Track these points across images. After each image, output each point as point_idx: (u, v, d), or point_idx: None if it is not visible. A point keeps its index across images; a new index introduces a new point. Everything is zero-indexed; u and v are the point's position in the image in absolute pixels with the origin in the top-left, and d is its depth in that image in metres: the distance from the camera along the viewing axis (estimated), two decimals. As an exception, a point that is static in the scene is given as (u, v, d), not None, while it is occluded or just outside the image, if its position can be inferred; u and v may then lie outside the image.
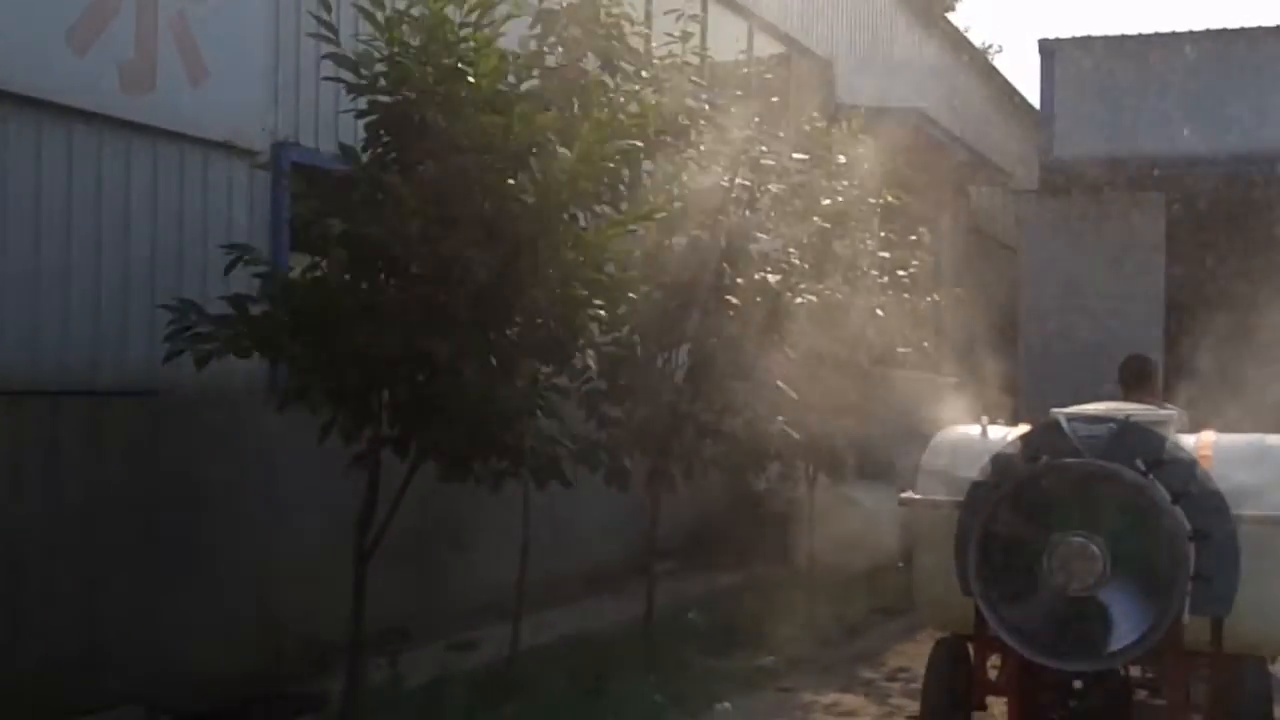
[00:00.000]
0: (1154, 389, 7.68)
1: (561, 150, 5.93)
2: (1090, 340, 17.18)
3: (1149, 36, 20.25)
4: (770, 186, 8.95)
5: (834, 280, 10.73)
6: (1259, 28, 19.80)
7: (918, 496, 6.50)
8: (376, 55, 6.17)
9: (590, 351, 6.47)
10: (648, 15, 11.03)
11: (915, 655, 9.16)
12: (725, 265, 8.47)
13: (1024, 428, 6.37)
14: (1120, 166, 19.05)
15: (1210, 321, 16.35)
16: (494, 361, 5.90)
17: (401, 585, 8.61)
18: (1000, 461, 5.99)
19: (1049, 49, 20.23)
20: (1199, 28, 20.29)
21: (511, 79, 6.41)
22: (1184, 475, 5.83)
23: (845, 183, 11.51)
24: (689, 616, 9.88)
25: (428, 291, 5.85)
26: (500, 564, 8.49)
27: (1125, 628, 5.67)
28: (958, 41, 23.86)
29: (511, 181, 5.90)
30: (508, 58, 6.24)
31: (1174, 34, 20.10)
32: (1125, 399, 7.18)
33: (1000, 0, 63.14)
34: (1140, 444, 5.90)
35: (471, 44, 6.11)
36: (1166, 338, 18.00)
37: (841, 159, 11.58)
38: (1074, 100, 19.94)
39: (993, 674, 6.38)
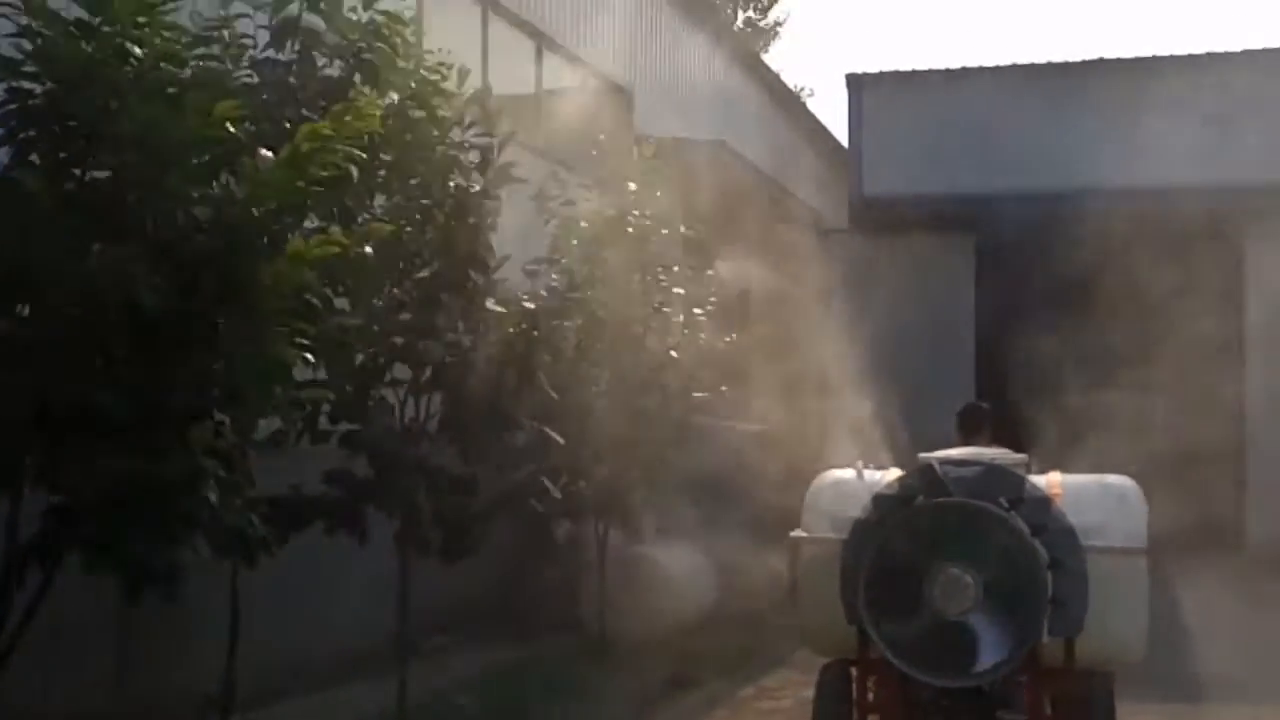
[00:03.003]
0: (988, 434, 8.08)
1: (264, 153, 4.66)
2: (906, 379, 16.50)
3: (956, 71, 19.90)
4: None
5: (619, 312, 9.69)
6: (1066, 62, 19.57)
7: (804, 534, 7.10)
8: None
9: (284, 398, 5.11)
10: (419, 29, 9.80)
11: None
12: (473, 298, 7.34)
13: (896, 471, 7.06)
14: (929, 204, 18.57)
15: (1021, 358, 15.91)
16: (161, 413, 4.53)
17: (84, 685, 7.26)
18: (881, 501, 6.62)
19: (856, 83, 19.74)
20: (1008, 63, 19.92)
21: (199, 64, 5.14)
22: (1041, 512, 6.53)
23: (637, 212, 10.53)
24: (460, 703, 8.65)
25: (77, 325, 4.50)
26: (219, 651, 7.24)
27: (996, 647, 6.32)
28: (768, 81, 23.28)
29: (197, 194, 4.59)
30: (183, 33, 4.93)
31: (981, 69, 19.79)
32: (963, 444, 7.68)
33: (815, 43, 63.31)
34: (1002, 484, 6.56)
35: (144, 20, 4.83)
36: (978, 373, 17.57)
37: (632, 186, 10.59)
38: (882, 136, 19.44)
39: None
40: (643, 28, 17.22)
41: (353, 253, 4.99)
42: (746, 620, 11.55)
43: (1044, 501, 6.59)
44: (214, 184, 4.57)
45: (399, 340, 7.33)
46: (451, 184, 7.34)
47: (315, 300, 4.69)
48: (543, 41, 14.14)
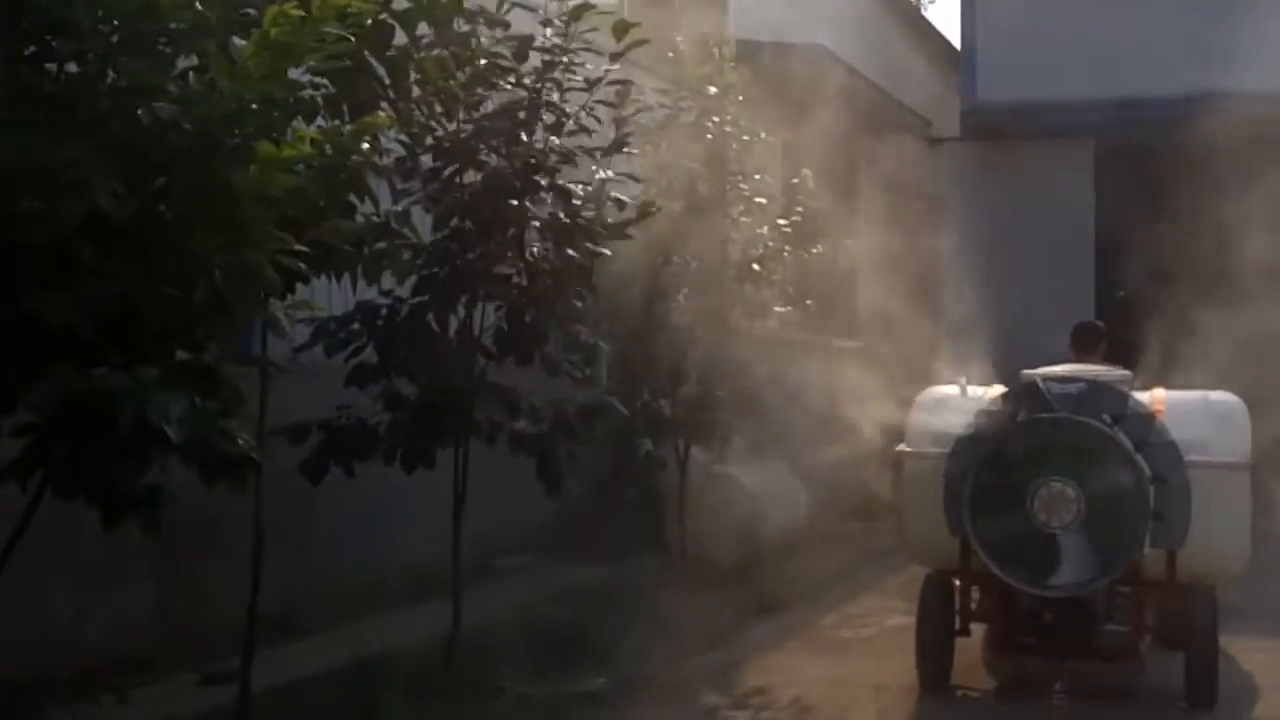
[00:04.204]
0: (1102, 351, 8.19)
1: (239, 41, 4.28)
2: (1022, 293, 15.83)
3: (1074, -30, 18.84)
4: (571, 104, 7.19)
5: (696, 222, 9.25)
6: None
7: (908, 449, 7.34)
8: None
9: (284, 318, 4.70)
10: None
11: (779, 670, 7.78)
12: (527, 201, 6.92)
13: (1000, 387, 7.20)
14: (1045, 109, 17.70)
15: (1142, 271, 15.19)
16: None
17: (145, 604, 7.11)
18: (985, 417, 6.85)
19: (970, -16, 18.81)
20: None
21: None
22: (1143, 428, 6.70)
23: (716, 118, 10.04)
24: (546, 612, 8.40)
25: (34, 231, 4.08)
26: (293, 569, 7.09)
27: (1098, 559, 6.55)
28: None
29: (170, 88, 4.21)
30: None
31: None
32: (1076, 361, 7.79)
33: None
34: (1106, 401, 6.74)
35: None
36: (1097, 286, 16.84)
37: (712, 90, 10.09)
38: (997, 41, 18.54)
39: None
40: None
41: (350, 157, 4.61)
42: (837, 543, 11.15)
43: (1147, 417, 6.79)
44: (188, 77, 4.22)
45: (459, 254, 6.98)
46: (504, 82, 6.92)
47: (297, 211, 4.30)
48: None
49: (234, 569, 6.36)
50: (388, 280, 6.55)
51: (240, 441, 4.17)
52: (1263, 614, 8.68)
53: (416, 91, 6.13)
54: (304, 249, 4.38)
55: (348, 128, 4.72)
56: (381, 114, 4.97)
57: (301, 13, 4.10)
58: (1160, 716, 7.10)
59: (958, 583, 7.20)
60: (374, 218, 5.61)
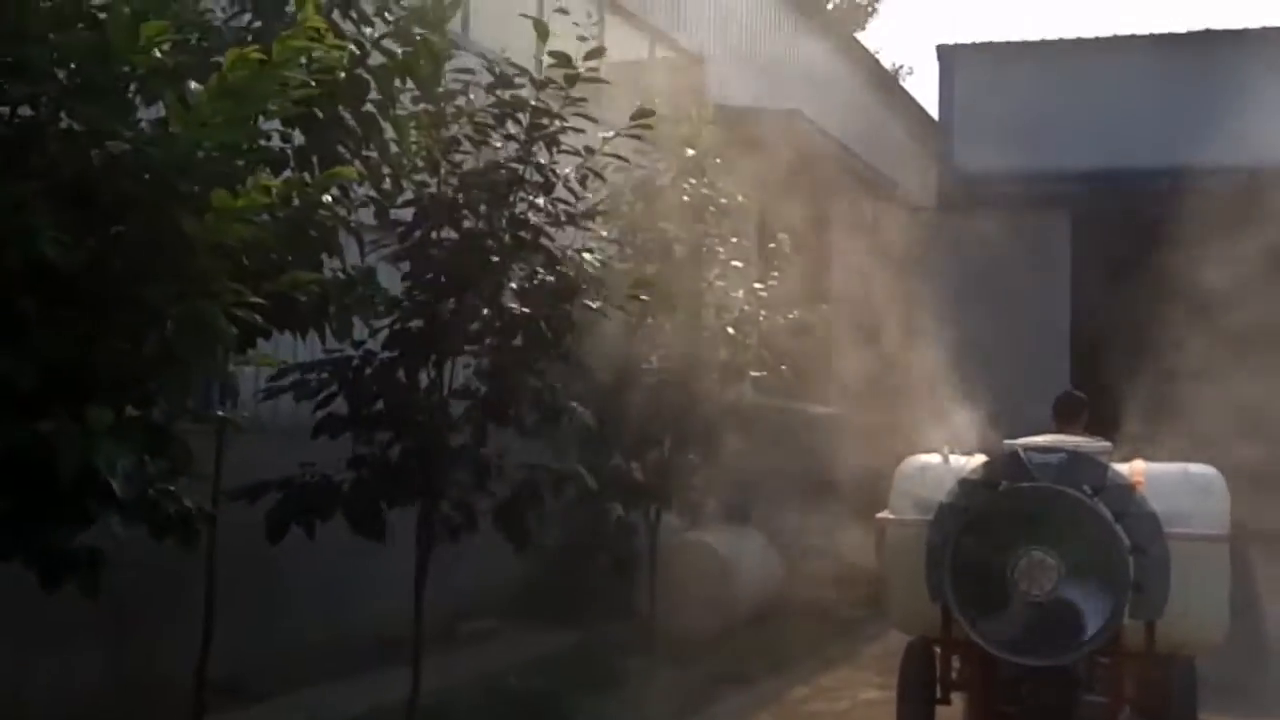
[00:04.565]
0: (1084, 422, 8.32)
1: (193, 85, 4.12)
2: (999, 361, 15.72)
3: (1054, 43, 18.98)
4: (565, 169, 7.12)
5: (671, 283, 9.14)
6: (1168, 34, 18.56)
7: (891, 516, 7.35)
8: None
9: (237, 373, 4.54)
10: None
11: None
12: (512, 263, 6.81)
13: (982, 456, 7.26)
14: (1022, 180, 17.71)
15: (1119, 342, 15.14)
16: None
17: (93, 664, 6.90)
18: (967, 485, 6.87)
19: (947, 54, 18.90)
20: (1107, 34, 18.98)
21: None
22: (1123, 498, 6.74)
23: (693, 180, 9.96)
24: (509, 681, 8.19)
25: None
26: (252, 630, 6.91)
27: (1080, 629, 6.53)
28: (855, 53, 22.54)
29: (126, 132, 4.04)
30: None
31: (1079, 40, 18.85)
32: (1058, 431, 7.90)
33: (915, 21, 61.91)
34: (1086, 471, 6.77)
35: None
36: (1073, 356, 16.79)
37: (690, 152, 10.02)
38: (973, 110, 18.60)
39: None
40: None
41: (316, 212, 4.47)
42: (811, 612, 10.95)
43: (1126, 488, 6.79)
44: (140, 121, 4.08)
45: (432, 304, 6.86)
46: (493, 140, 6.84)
47: (256, 263, 4.15)
48: (604, 2, 13.59)
49: (189, 629, 6.18)
50: (359, 333, 6.40)
51: (187, 502, 3.99)
52: (1244, 690, 8.58)
53: (395, 148, 6.00)
54: (261, 301, 4.22)
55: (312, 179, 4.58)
56: (350, 168, 4.82)
57: (262, 57, 3.96)
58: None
59: (939, 650, 7.19)
60: (339, 273, 5.45)
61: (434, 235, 6.93)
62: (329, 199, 4.61)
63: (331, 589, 8.44)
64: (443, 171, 6.87)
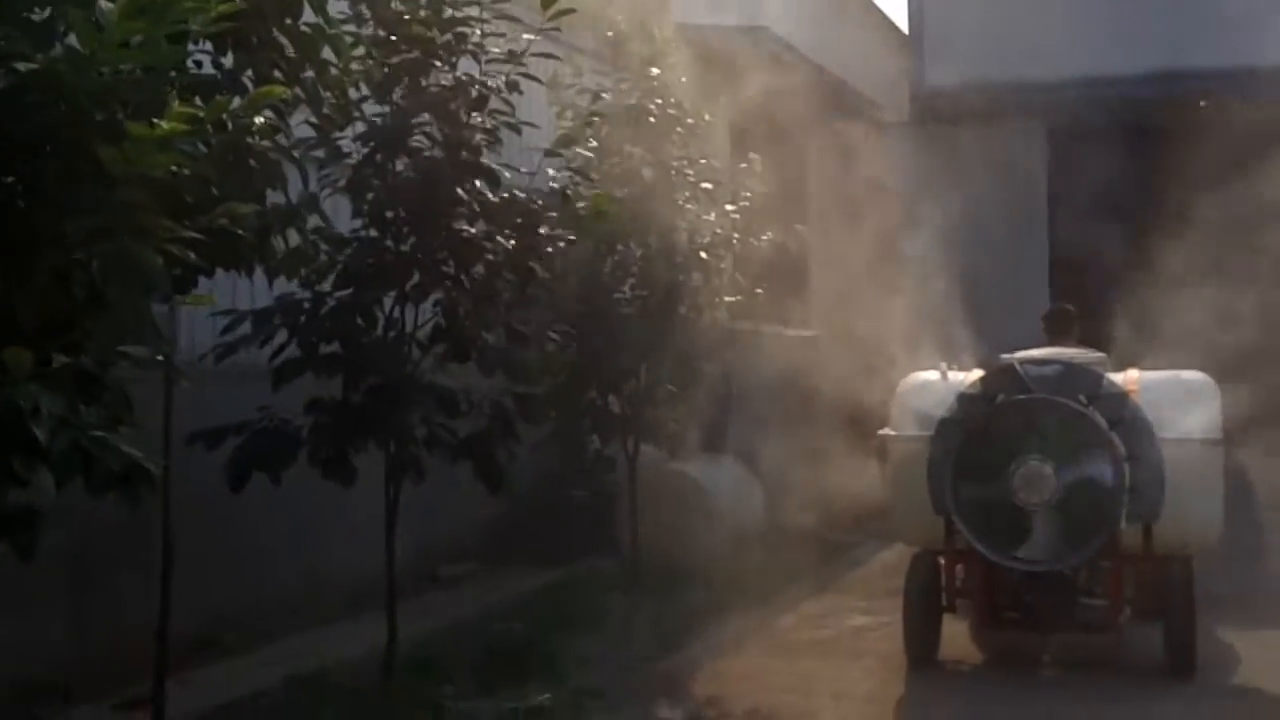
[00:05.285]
0: (1076, 335, 8.46)
1: (103, 3, 3.78)
2: (978, 280, 15.46)
3: (1021, -52, 18.51)
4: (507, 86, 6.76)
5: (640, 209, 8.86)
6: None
7: (893, 433, 7.55)
8: None
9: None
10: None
11: (735, 677, 7.39)
12: (459, 188, 6.52)
13: (979, 371, 7.46)
14: (995, 92, 17.39)
15: (1098, 253, 14.97)
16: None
17: (56, 624, 6.65)
18: (965, 400, 7.09)
19: (916, -35, 18.49)
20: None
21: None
22: (1118, 406, 6.94)
23: (659, 100, 9.64)
24: (490, 625, 7.99)
25: None
26: (221, 584, 6.99)
27: (1077, 534, 6.79)
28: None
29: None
30: None
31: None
32: (1050, 344, 8.07)
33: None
34: (1081, 381, 6.99)
35: None
36: (1052, 269, 16.61)
37: (654, 71, 9.69)
38: (944, 24, 18.24)
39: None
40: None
41: (248, 138, 4.17)
42: (795, 540, 10.77)
43: (1120, 396, 7.01)
44: (55, 44, 3.76)
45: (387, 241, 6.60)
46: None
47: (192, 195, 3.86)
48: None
49: (155, 585, 5.92)
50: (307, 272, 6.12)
51: (128, 451, 3.70)
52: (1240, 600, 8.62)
53: (335, 71, 5.68)
54: (198, 237, 3.92)
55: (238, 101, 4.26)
56: (279, 86, 4.50)
57: (179, -33, 3.64)
58: (1142, 684, 7.17)
59: (943, 561, 7.40)
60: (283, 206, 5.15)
61: (390, 166, 6.66)
62: (263, 123, 4.29)
63: (303, 537, 8.18)
64: (396, 95, 6.59)
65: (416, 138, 6.59)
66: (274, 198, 5.03)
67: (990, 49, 17.66)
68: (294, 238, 5.29)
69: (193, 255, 3.91)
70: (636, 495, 9.64)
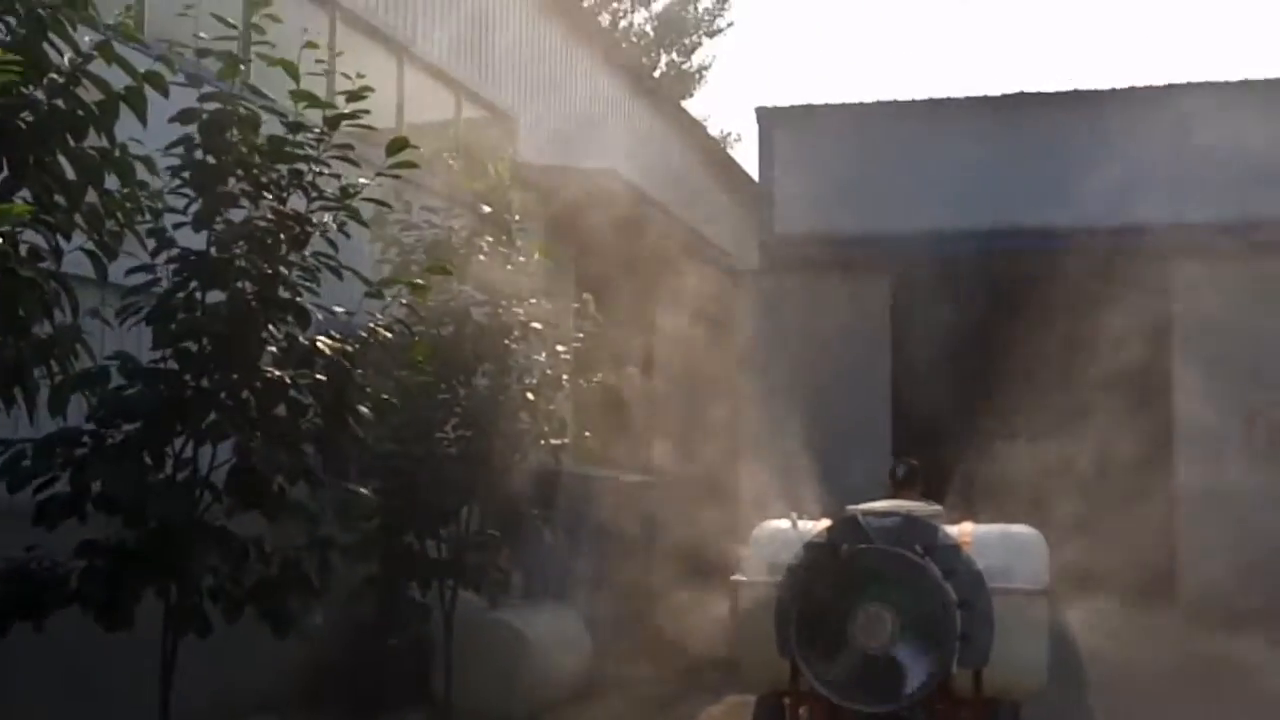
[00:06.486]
0: (920, 487, 8.93)
1: None
2: (824, 427, 15.42)
3: (871, 105, 18.97)
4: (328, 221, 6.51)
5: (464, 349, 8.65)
6: (983, 97, 18.70)
7: (745, 579, 7.87)
8: None
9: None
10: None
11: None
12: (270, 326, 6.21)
13: (826, 521, 7.82)
14: (842, 243, 17.62)
15: (939, 404, 15.06)
16: None
17: None
18: (811, 549, 7.45)
19: (767, 117, 18.78)
20: (921, 97, 19.02)
21: None
22: (952, 557, 7.34)
23: (490, 239, 9.48)
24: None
25: None
26: None
27: (912, 677, 7.08)
28: (678, 118, 22.41)
29: None
30: None
31: (897, 103, 18.87)
32: (894, 495, 8.58)
33: (743, 88, 62.38)
34: (919, 533, 7.38)
35: None
36: (895, 419, 16.68)
37: (485, 209, 9.54)
38: (793, 173, 18.49)
39: None
40: (531, 53, 16.30)
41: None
42: (622, 690, 10.42)
43: (954, 548, 7.40)
44: None
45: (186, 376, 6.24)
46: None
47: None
48: (407, 58, 13.10)
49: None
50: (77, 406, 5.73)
51: None
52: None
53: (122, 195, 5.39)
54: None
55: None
56: (21, 203, 4.19)
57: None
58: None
59: (788, 702, 7.64)
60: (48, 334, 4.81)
61: (199, 295, 6.32)
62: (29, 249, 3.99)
63: (72, 692, 7.62)
64: (217, 226, 6.29)
65: (235, 270, 6.26)
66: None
67: (837, 201, 17.92)
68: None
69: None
70: (452, 645, 9.23)
